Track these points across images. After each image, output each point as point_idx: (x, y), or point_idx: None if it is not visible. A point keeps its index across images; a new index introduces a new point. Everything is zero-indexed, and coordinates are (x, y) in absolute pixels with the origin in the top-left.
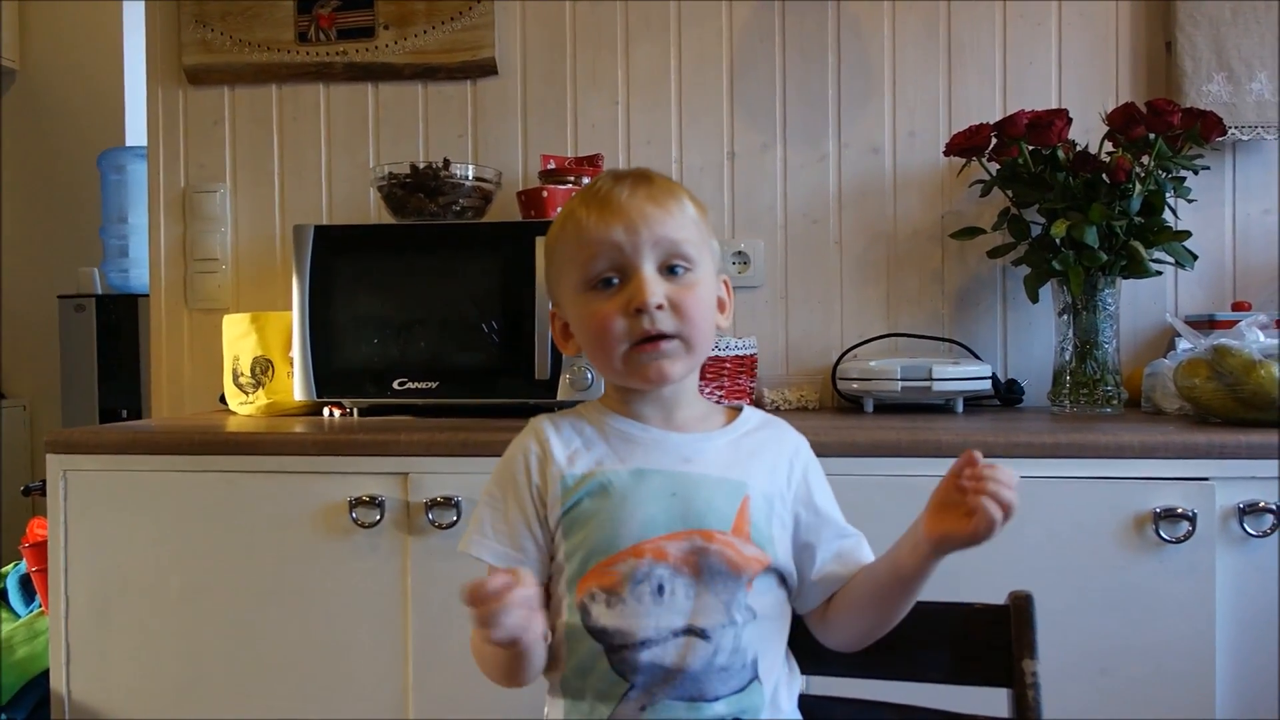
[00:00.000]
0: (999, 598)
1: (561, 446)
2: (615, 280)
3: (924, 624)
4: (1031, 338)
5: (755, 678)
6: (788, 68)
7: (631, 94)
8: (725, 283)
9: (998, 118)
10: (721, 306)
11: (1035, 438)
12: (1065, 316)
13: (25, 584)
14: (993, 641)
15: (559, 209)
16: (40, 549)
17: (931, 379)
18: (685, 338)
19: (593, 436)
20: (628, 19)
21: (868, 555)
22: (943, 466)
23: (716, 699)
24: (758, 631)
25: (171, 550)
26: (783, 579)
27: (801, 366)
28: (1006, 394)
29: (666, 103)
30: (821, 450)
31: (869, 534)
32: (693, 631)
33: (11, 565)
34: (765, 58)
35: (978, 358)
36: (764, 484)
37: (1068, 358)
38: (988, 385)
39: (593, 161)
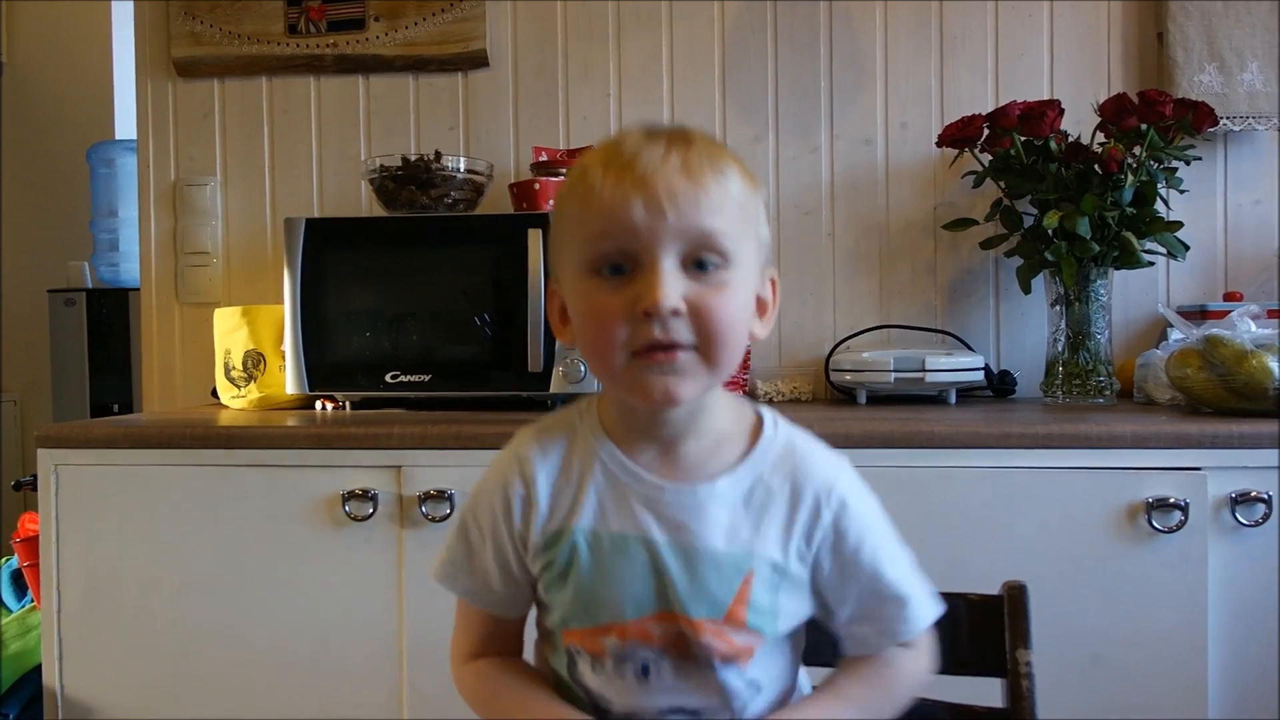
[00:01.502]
0: (992, 588)
1: (546, 486)
2: (625, 269)
3: None
4: (1024, 328)
5: None
6: (779, 60)
7: (623, 86)
8: (772, 282)
9: (990, 109)
10: (762, 310)
11: (1028, 428)
12: (1058, 307)
13: (17, 579)
14: (987, 631)
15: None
16: (31, 544)
17: (924, 370)
18: (705, 352)
19: (579, 475)
20: (619, 11)
21: (911, 625)
22: (937, 458)
23: None
24: (764, 699)
25: (163, 544)
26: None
27: (794, 358)
28: (999, 385)
29: (658, 95)
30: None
31: None
32: (681, 711)
33: (3, 560)
34: (757, 50)
35: (970, 349)
36: (774, 549)
37: (1060, 348)
38: (980, 376)
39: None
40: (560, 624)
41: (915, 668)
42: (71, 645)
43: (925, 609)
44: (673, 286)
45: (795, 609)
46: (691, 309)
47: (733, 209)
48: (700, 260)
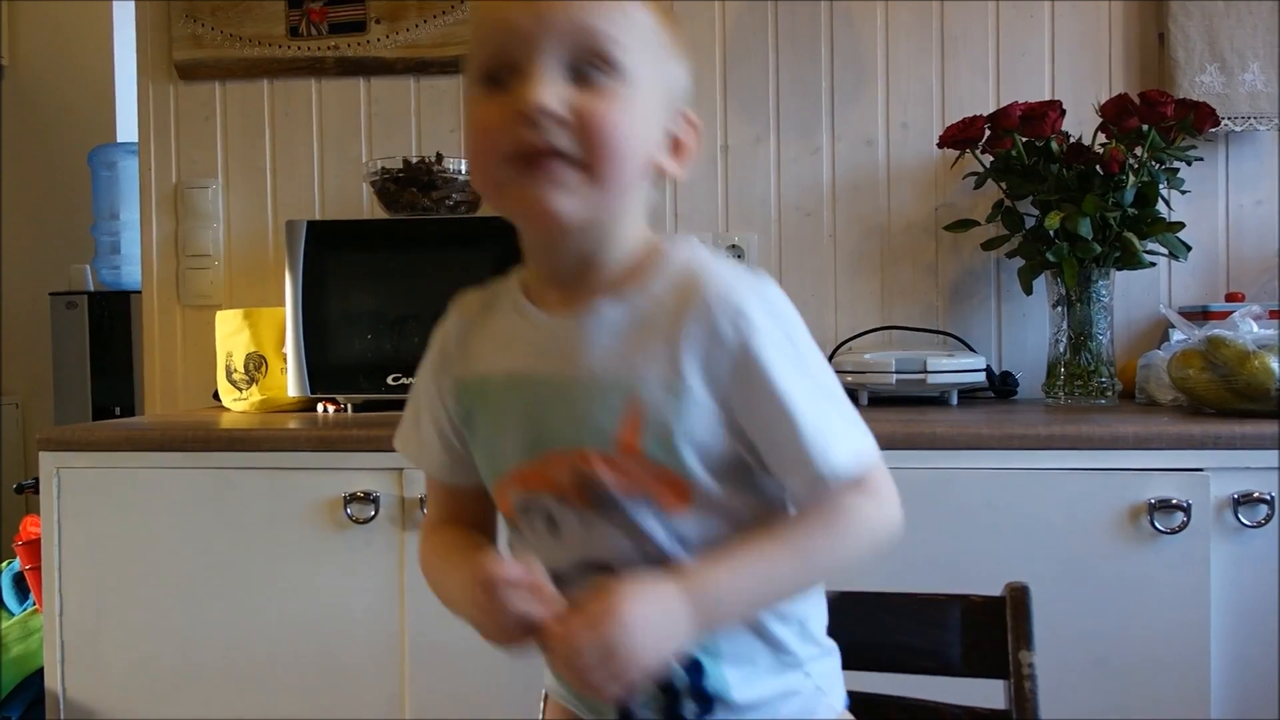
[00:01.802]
0: (995, 589)
1: (458, 338)
2: (508, 78)
3: (920, 616)
4: (1025, 330)
5: None
6: (780, 60)
7: None
8: (689, 119)
9: (991, 110)
10: (679, 150)
11: (1030, 429)
12: (1059, 308)
13: (19, 582)
14: (989, 633)
15: None
16: (34, 546)
17: (926, 371)
18: (588, 164)
19: (487, 314)
20: None
21: (835, 462)
22: (939, 459)
23: None
24: (700, 556)
25: (165, 547)
26: (745, 483)
27: None
28: (1001, 386)
29: None
30: None
31: None
32: (596, 566)
33: (5, 563)
34: (758, 50)
35: (972, 350)
36: (664, 371)
37: (1062, 349)
38: (982, 377)
39: None
40: (491, 492)
41: (865, 508)
42: (73, 648)
43: (850, 441)
44: (550, 88)
45: (708, 440)
46: (574, 114)
47: (626, 23)
48: (586, 68)
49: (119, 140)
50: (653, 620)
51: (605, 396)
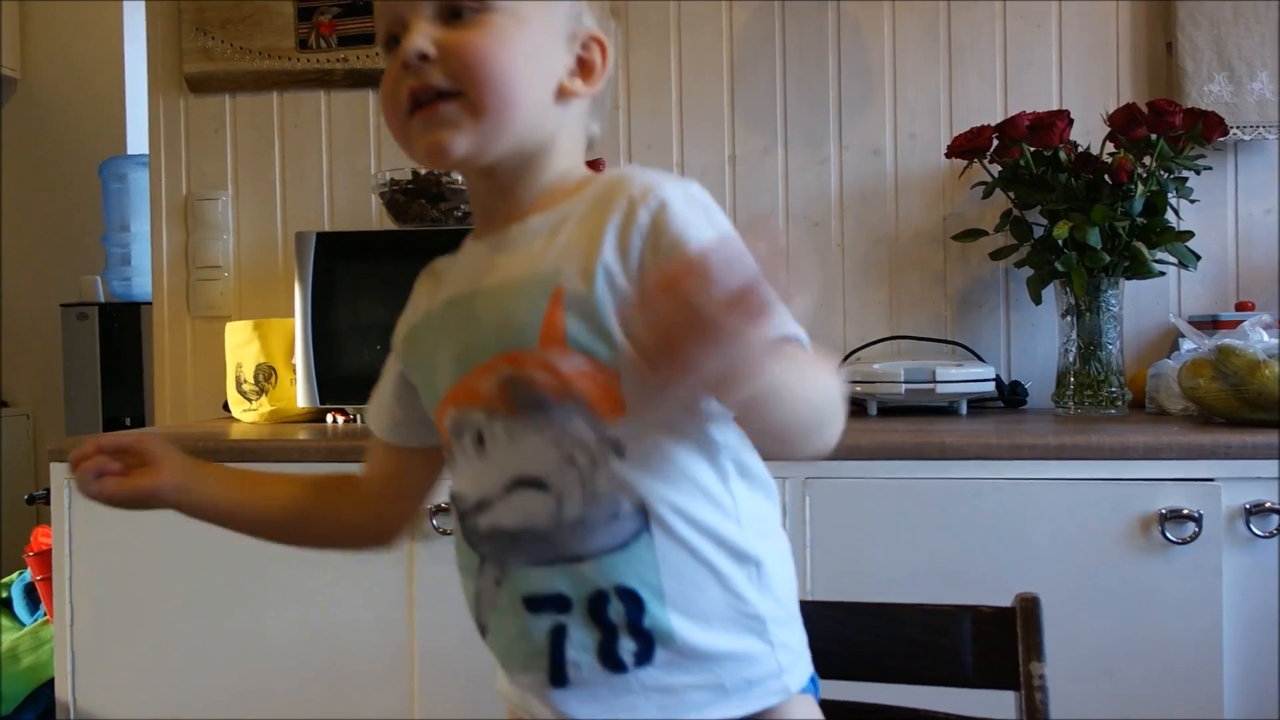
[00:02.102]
0: (1005, 600)
1: (420, 291)
2: (399, 38)
3: (930, 626)
4: (1035, 339)
5: (643, 530)
6: (788, 70)
7: (632, 98)
8: (596, 40)
9: (999, 119)
10: (587, 71)
11: (1039, 439)
12: (1068, 318)
13: (29, 593)
14: (999, 644)
15: None
16: (44, 557)
17: (935, 381)
18: (470, 97)
19: (446, 269)
20: (627, 22)
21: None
22: (948, 469)
23: (579, 559)
24: (637, 470)
25: (175, 558)
26: None
27: None
28: (1010, 396)
29: (667, 106)
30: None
31: (871, 540)
32: (524, 483)
33: (16, 574)
34: (765, 60)
35: (981, 360)
36: (587, 259)
37: (1071, 359)
38: (991, 387)
39: (594, 165)
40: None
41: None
42: (84, 658)
43: (783, 318)
44: (421, 34)
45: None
46: (443, 50)
47: None
48: (455, 8)
49: (129, 152)
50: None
51: (529, 293)
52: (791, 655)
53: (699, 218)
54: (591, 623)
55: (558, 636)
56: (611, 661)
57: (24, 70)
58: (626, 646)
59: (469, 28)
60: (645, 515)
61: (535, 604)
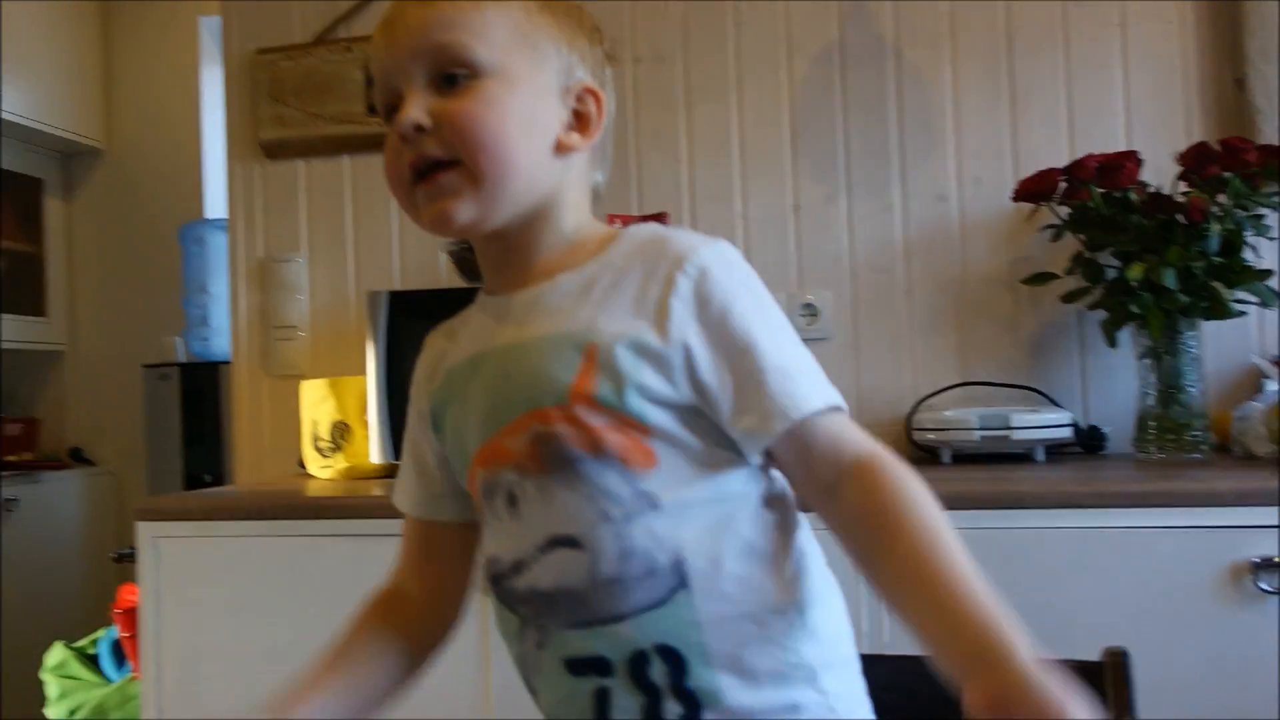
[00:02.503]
0: (1089, 654)
1: (431, 357)
2: (398, 108)
3: None
4: (1112, 383)
5: (681, 586)
6: (849, 118)
7: (694, 152)
8: (591, 91)
9: (1065, 162)
10: (583, 124)
11: (1122, 486)
12: (1146, 360)
13: (117, 649)
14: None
15: None
16: (131, 614)
17: (1010, 428)
18: (468, 165)
19: (459, 329)
20: (688, 79)
21: (798, 400)
22: (1027, 518)
23: (617, 618)
24: (673, 523)
25: (257, 613)
26: (700, 431)
27: (874, 418)
28: (1089, 441)
29: (728, 159)
30: None
31: None
32: (559, 542)
33: (103, 630)
34: (826, 110)
35: (1057, 404)
36: (624, 323)
37: (1151, 402)
38: (1069, 432)
39: (658, 218)
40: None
41: (887, 456)
42: (171, 714)
43: (818, 386)
44: (415, 105)
45: (663, 389)
46: (437, 120)
47: (478, 21)
48: (448, 76)
49: (208, 217)
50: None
51: (560, 351)
52: (847, 704)
53: (739, 284)
54: (634, 686)
55: (602, 700)
56: None
57: (109, 141)
58: (672, 710)
59: (461, 96)
60: (683, 569)
61: (577, 667)
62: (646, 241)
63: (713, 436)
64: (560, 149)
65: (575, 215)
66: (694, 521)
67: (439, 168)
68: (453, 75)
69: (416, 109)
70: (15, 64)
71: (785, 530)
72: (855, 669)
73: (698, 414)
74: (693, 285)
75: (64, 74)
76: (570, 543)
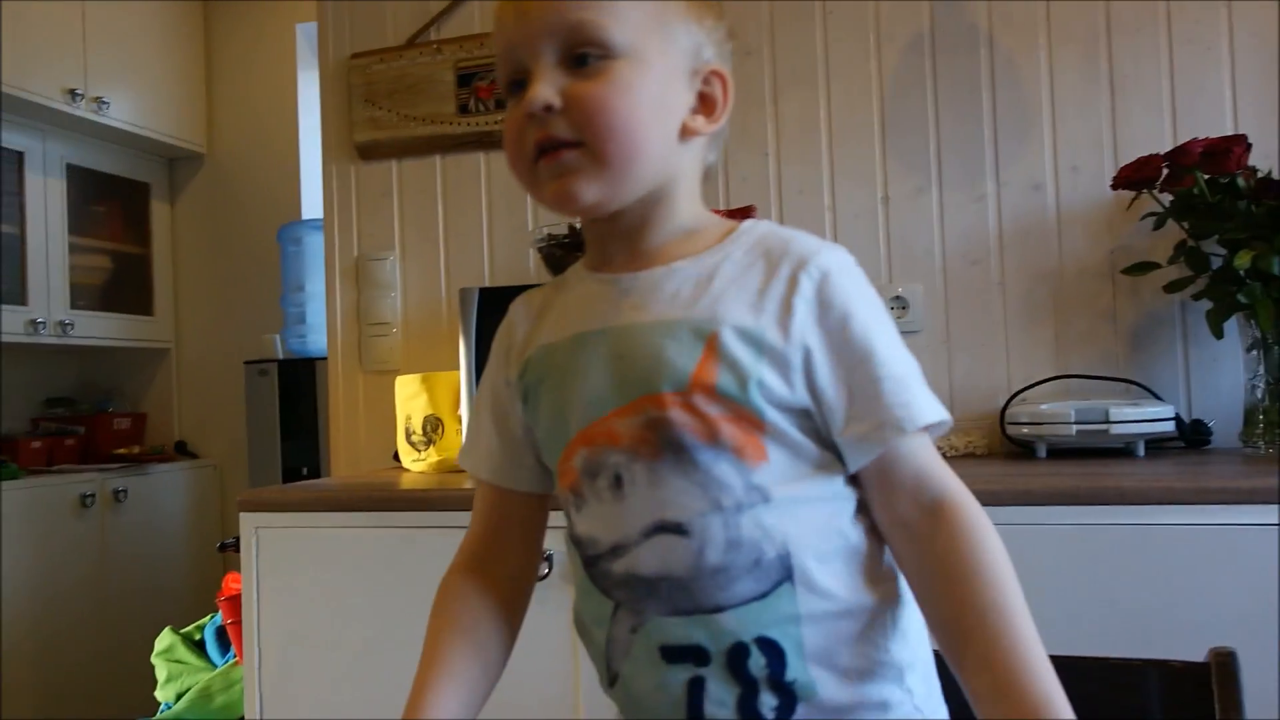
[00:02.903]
0: (1196, 655)
1: (523, 324)
2: (523, 83)
3: (1113, 681)
4: (1218, 375)
5: (786, 579)
6: (940, 109)
7: (781, 145)
8: (717, 74)
9: (1167, 148)
10: (709, 107)
11: (1229, 482)
12: (1255, 352)
13: (221, 635)
14: (1193, 702)
15: None
16: (234, 602)
17: (1109, 421)
18: (593, 146)
19: (553, 299)
20: (775, 73)
21: (912, 412)
22: (1126, 515)
23: (719, 608)
24: (782, 517)
25: (354, 602)
26: (810, 433)
27: (967, 411)
28: (1192, 435)
29: (817, 152)
30: (993, 499)
31: (1044, 591)
32: (665, 528)
33: (208, 617)
34: (916, 101)
35: (1158, 398)
36: (746, 316)
37: (1259, 395)
38: (1171, 426)
39: (746, 213)
40: (552, 473)
41: (971, 512)
42: (272, 699)
43: (931, 401)
44: (545, 84)
45: (781, 389)
46: (567, 102)
47: (613, 3)
48: (579, 55)
49: (305, 218)
50: None
51: (682, 338)
52: (930, 703)
53: (858, 290)
54: (731, 677)
55: (695, 690)
56: (751, 717)
57: (211, 146)
58: (767, 702)
59: (593, 78)
60: (788, 563)
61: (672, 655)
62: (767, 238)
63: (820, 439)
64: (685, 133)
65: (691, 198)
66: (801, 517)
67: (564, 145)
68: (584, 55)
69: (547, 88)
70: (123, 75)
71: (878, 532)
72: (934, 670)
73: (807, 416)
74: (815, 287)
75: (168, 83)
76: (677, 529)
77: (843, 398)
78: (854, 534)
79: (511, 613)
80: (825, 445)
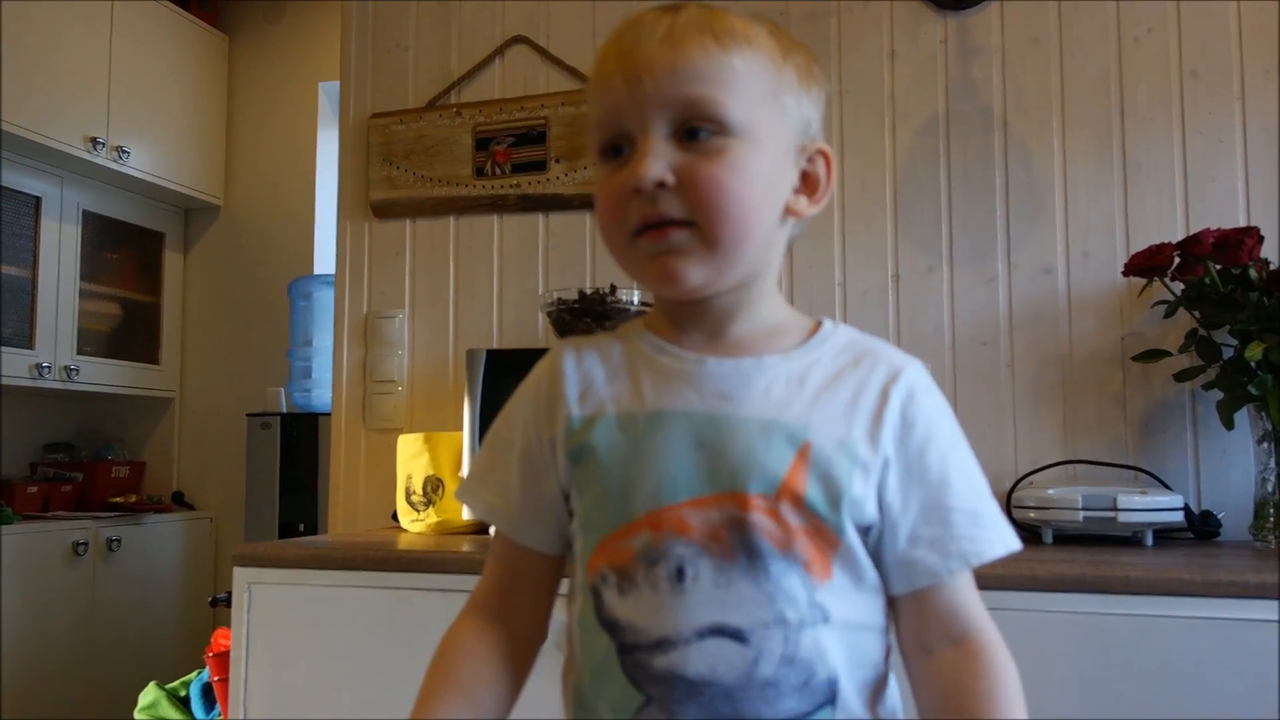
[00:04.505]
0: None
1: (576, 378)
2: (624, 149)
3: None
4: (1228, 466)
5: (829, 703)
6: (953, 190)
7: None
8: (822, 154)
9: (1179, 237)
10: (812, 188)
11: (1238, 575)
12: (1265, 444)
13: (206, 692)
14: None
15: None
16: (223, 659)
17: (1117, 509)
18: (704, 227)
19: (618, 364)
20: None
21: (982, 545)
22: (1134, 605)
23: None
24: (836, 640)
25: (347, 663)
26: (876, 565)
27: None
28: (1201, 527)
29: (829, 228)
30: (997, 584)
31: (1049, 677)
32: (723, 632)
33: (195, 673)
34: (929, 182)
35: (1167, 487)
36: (837, 428)
37: (1270, 489)
38: (1180, 517)
39: None
40: (588, 546)
41: (998, 650)
42: None
43: (1001, 532)
44: (657, 159)
45: (862, 502)
46: (680, 180)
47: (729, 74)
48: (691, 129)
49: (316, 272)
50: None
51: (776, 441)
52: None
53: (939, 410)
54: None
55: None
56: None
57: (226, 197)
58: None
59: (707, 157)
60: (835, 688)
61: None
62: (854, 344)
63: (873, 560)
64: (787, 213)
65: (774, 282)
66: (851, 643)
67: (672, 224)
68: (698, 129)
69: (659, 164)
70: (145, 125)
71: (890, 656)
72: None
73: (867, 532)
74: (902, 403)
75: (188, 134)
76: (736, 635)
77: (910, 517)
78: (883, 667)
79: (515, 674)
80: (876, 567)
